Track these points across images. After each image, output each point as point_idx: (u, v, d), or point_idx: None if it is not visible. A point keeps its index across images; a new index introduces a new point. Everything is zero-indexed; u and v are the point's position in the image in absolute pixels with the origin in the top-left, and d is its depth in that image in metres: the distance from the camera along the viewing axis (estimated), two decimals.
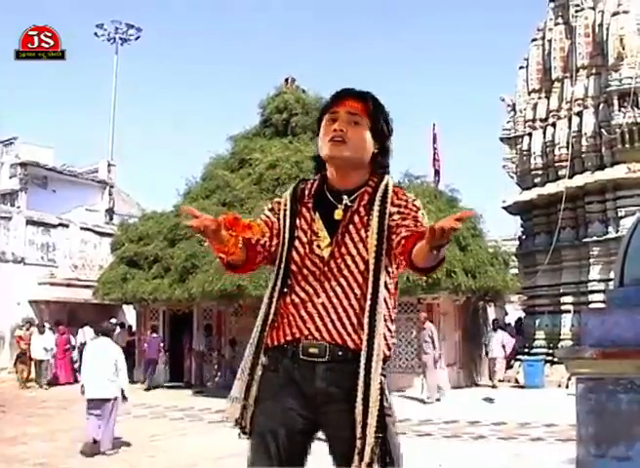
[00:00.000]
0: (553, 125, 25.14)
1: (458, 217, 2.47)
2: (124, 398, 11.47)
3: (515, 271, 25.64)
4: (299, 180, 3.21)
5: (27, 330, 24.39)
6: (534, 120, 26.15)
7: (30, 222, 30.06)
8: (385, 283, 2.92)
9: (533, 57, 26.87)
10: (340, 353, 2.87)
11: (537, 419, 13.98)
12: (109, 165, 38.97)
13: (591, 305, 22.09)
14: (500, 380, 21.91)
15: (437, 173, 25.22)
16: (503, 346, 21.56)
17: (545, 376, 21.56)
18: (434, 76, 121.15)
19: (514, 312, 30.67)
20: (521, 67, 27.39)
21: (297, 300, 2.94)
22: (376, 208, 2.96)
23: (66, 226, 31.41)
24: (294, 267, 2.98)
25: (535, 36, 27.21)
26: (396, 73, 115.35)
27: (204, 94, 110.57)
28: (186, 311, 22.35)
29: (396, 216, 2.96)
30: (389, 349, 2.94)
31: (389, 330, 2.95)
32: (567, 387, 18.64)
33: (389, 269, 2.98)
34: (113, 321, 21.77)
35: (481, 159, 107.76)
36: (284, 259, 2.99)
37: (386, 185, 3.04)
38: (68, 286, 29.08)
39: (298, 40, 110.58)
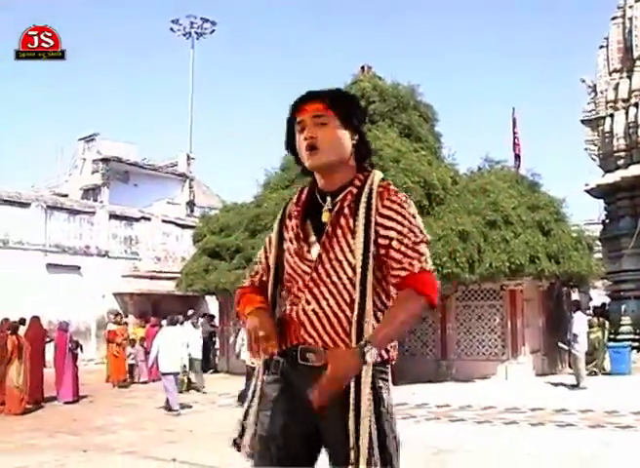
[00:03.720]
0: (636, 105, 24.63)
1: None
2: (185, 372, 16.44)
3: (599, 256, 25.20)
4: (298, 190, 3.14)
5: (120, 324, 22.43)
6: (615, 101, 25.65)
7: (113, 216, 30.63)
8: (376, 287, 2.84)
9: (613, 35, 26.33)
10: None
11: (625, 407, 13.70)
12: (189, 158, 39.44)
13: None
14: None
15: (518, 157, 24.89)
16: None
17: (632, 363, 21.12)
18: (513, 59, 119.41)
19: (599, 297, 30.15)
20: (601, 47, 26.87)
21: (290, 308, 2.93)
22: (361, 213, 2.83)
23: (148, 219, 31.91)
24: (286, 275, 2.97)
25: (615, 14, 26.66)
26: (474, 58, 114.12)
27: (281, 83, 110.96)
28: None
29: (382, 231, 2.81)
30: (387, 351, 2.86)
31: None
32: None
33: (381, 274, 2.87)
34: (190, 312, 22.23)
35: (563, 142, 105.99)
36: (275, 269, 3.03)
37: (371, 186, 2.89)
38: (151, 278, 29.57)
39: (373, 27, 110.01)
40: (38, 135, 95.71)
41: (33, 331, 17.63)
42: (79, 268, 28.35)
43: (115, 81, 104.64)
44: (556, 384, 18.46)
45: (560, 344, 20.03)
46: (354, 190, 2.91)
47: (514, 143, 25.12)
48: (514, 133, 25.38)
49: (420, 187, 18.87)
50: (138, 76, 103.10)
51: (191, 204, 38.06)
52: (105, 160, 34.95)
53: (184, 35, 47.85)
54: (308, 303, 2.87)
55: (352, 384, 2.73)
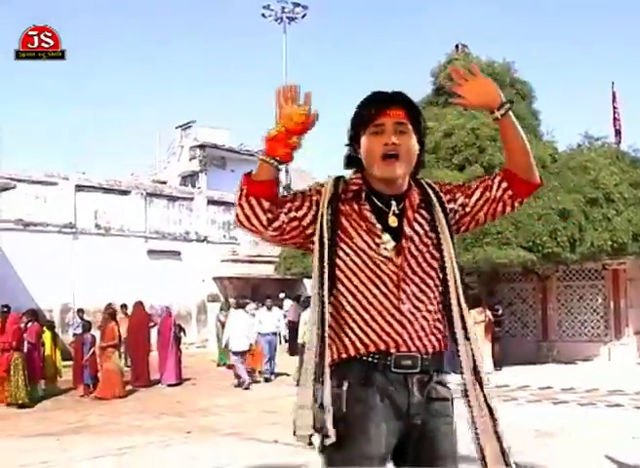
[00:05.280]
0: None
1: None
2: (250, 350, 17.03)
3: None
4: (337, 177, 3.03)
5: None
6: None
7: (211, 202, 31.03)
8: (456, 280, 2.90)
9: None
10: (427, 363, 2.80)
11: None
12: None
13: None
14: None
15: (618, 133, 24.19)
16: None
17: None
18: (613, 31, 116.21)
19: None
20: None
21: (378, 307, 2.80)
22: (438, 209, 2.92)
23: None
24: (357, 270, 2.83)
25: None
26: (571, 32, 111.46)
27: (373, 66, 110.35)
28: None
29: (455, 205, 3.00)
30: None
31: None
32: None
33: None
34: (282, 295, 22.51)
35: None
36: (335, 260, 2.84)
37: (431, 186, 3.00)
38: (250, 262, 29.84)
39: (467, 5, 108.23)
40: (135, 123, 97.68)
41: (137, 316, 18.07)
42: (179, 254, 28.84)
43: (208, 68, 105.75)
44: None
45: None
46: (418, 191, 2.96)
47: (614, 119, 24.40)
48: (614, 107, 24.67)
49: None
50: (231, 62, 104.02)
51: (288, 188, 38.26)
52: (202, 146, 35.40)
53: (276, 20, 47.90)
54: (403, 303, 2.80)
55: (471, 386, 2.78)
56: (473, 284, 21.03)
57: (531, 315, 21.56)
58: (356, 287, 2.83)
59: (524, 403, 13.18)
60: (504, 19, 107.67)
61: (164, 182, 33.37)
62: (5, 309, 16.69)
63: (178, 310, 25.36)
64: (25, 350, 15.07)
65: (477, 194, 2.97)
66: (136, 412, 13.28)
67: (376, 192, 2.93)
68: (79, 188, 26.55)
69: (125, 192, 28.20)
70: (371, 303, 2.81)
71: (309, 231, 2.90)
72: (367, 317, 2.80)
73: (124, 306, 19.90)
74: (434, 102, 21.94)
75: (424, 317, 2.82)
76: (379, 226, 2.86)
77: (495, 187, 2.95)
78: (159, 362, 17.40)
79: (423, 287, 2.84)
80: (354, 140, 2.99)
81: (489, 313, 18.21)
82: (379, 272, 2.82)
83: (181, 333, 18.19)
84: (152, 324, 18.21)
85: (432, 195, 2.94)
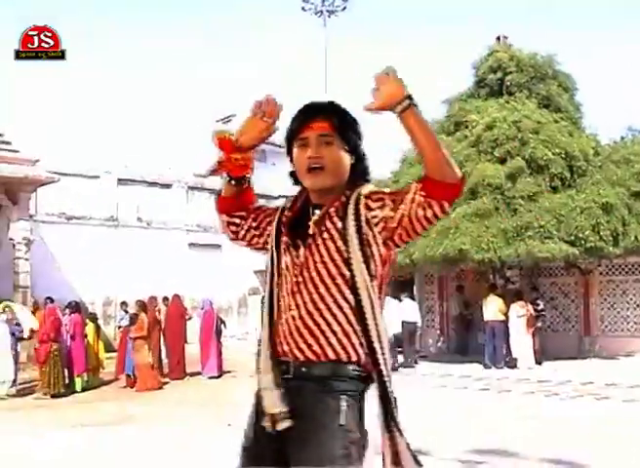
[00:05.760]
0: None
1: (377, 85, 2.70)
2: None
3: None
4: (296, 194, 3.18)
5: None
6: None
7: None
8: (368, 288, 2.77)
9: None
10: (303, 370, 2.78)
11: None
12: None
13: None
14: None
15: None
16: None
17: None
18: None
19: None
20: None
21: (266, 314, 2.91)
22: (350, 218, 2.81)
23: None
24: (277, 279, 2.94)
25: None
26: (613, 22, 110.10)
27: (414, 58, 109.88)
28: (408, 277, 22.36)
29: (381, 213, 2.80)
30: (354, 348, 2.77)
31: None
32: None
33: (372, 271, 2.80)
34: None
35: None
36: (272, 271, 2.96)
37: (359, 194, 2.86)
38: None
39: None
40: (176, 117, 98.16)
41: (173, 308, 18.22)
42: (220, 246, 28.96)
43: (247, 62, 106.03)
44: None
45: None
46: (343, 199, 2.89)
47: None
48: None
49: (562, 159, 18.53)
50: (269, 57, 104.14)
51: None
52: None
53: (316, 13, 47.84)
54: (290, 309, 2.83)
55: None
56: (515, 278, 20.92)
57: (573, 310, 21.37)
58: (278, 294, 2.91)
59: (566, 398, 13.08)
60: (546, 9, 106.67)
61: (205, 176, 33.52)
62: (48, 301, 16.97)
63: (219, 303, 25.49)
64: (68, 342, 15.30)
65: (401, 197, 2.79)
66: (177, 404, 13.41)
67: (311, 203, 3.00)
68: (121, 182, 26.80)
69: (167, 185, 28.44)
70: (267, 311, 2.91)
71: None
72: (266, 323, 2.90)
73: (166, 299, 20.07)
74: (475, 95, 21.83)
75: (306, 324, 2.79)
76: (287, 237, 2.95)
77: (412, 188, 2.76)
78: (201, 354, 17.55)
79: (315, 295, 2.80)
80: (289, 153, 3.10)
81: (530, 307, 18.10)
82: (288, 279, 2.88)
83: (222, 326, 18.31)
84: (188, 316, 18.38)
85: (351, 203, 2.85)
